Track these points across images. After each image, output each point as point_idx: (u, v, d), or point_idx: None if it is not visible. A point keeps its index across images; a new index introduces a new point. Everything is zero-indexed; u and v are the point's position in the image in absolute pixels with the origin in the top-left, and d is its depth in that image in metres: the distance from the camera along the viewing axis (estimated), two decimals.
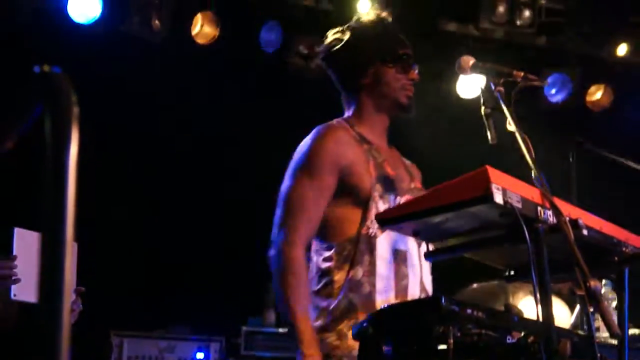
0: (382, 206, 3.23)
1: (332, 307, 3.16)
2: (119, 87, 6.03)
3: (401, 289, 3.23)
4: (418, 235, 2.72)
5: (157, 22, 6.24)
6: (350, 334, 3.07)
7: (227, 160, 6.66)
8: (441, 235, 2.68)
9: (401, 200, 3.29)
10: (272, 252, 3.20)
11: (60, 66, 1.13)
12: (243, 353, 6.13)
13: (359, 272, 3.18)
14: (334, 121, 3.43)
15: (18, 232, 3.21)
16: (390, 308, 2.79)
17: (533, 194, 2.53)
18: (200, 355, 6.05)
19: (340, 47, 3.45)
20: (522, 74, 2.89)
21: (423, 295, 3.29)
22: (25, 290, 3.16)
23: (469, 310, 2.48)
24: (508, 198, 2.40)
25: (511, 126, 2.73)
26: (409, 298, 3.23)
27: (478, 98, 2.96)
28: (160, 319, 6.21)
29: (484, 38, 6.82)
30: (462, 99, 6.86)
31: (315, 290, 3.21)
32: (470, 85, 6.70)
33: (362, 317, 3.10)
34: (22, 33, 5.82)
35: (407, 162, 3.60)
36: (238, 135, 6.58)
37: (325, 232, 3.25)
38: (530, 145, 2.68)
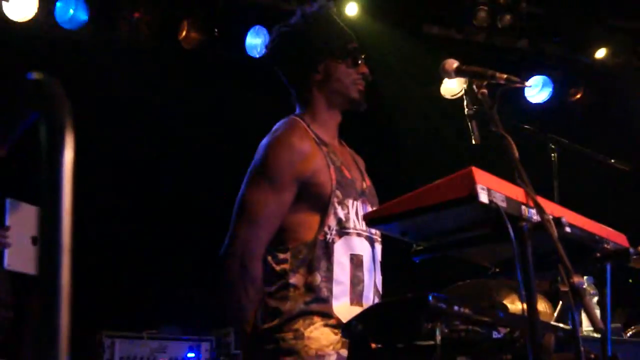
0: (340, 212, 3.18)
1: (287, 308, 3.12)
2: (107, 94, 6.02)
3: (357, 293, 3.20)
4: (405, 235, 2.72)
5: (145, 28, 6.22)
6: (307, 332, 3.09)
7: (218, 163, 6.65)
8: (428, 234, 2.69)
9: (357, 203, 3.26)
10: (223, 257, 3.16)
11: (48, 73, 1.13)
12: (233, 352, 6.12)
13: (317, 277, 3.13)
14: (292, 119, 3.34)
15: (11, 203, 3.21)
16: (379, 306, 2.80)
17: (517, 193, 2.53)
18: (191, 355, 6.05)
19: (287, 43, 3.38)
20: (504, 76, 2.89)
21: (377, 298, 3.27)
22: (18, 260, 3.17)
23: (455, 307, 2.49)
24: (493, 197, 2.41)
25: (495, 127, 2.73)
26: (364, 302, 3.20)
27: (461, 99, 2.98)
28: (152, 319, 6.20)
29: (467, 41, 6.82)
30: (445, 99, 6.86)
31: (270, 292, 3.15)
32: (453, 87, 6.70)
33: (318, 320, 3.10)
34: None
35: (354, 154, 3.52)
36: (229, 134, 6.57)
37: (281, 236, 3.19)
38: (514, 145, 2.69)
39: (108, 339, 5.78)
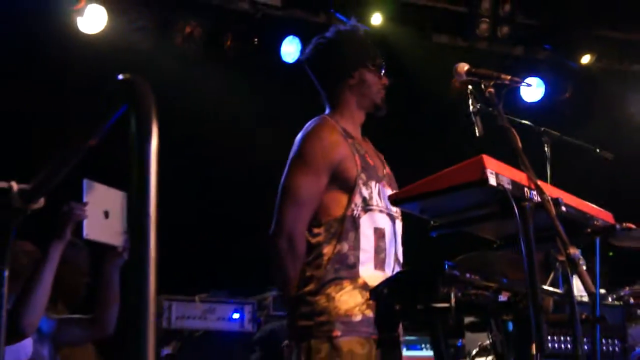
0: (364, 191, 3.21)
1: (321, 275, 3.13)
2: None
3: (379, 261, 3.21)
4: (424, 212, 2.72)
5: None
6: (337, 296, 3.10)
7: (259, 149, 6.67)
8: (443, 212, 2.69)
9: (379, 185, 3.28)
10: (273, 236, 3.18)
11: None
12: (272, 313, 6.14)
13: (345, 246, 3.15)
14: (322, 117, 3.37)
15: (87, 183, 3.24)
16: (402, 273, 2.80)
17: (521, 177, 2.53)
18: (236, 315, 6.07)
19: (327, 52, 3.40)
20: (509, 77, 2.89)
21: (397, 266, 3.28)
22: (94, 231, 3.20)
23: (467, 275, 2.50)
24: (500, 181, 2.42)
25: (501, 121, 2.73)
26: (386, 268, 3.21)
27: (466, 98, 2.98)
28: (203, 285, 6.23)
29: (470, 48, 6.80)
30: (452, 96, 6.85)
31: (307, 262, 3.17)
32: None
33: (347, 284, 3.12)
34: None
35: (375, 149, 3.53)
36: (267, 127, 6.59)
37: (315, 214, 3.21)
38: (517, 136, 2.68)
39: (166, 302, 5.82)
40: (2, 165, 1.80)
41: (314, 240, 3.19)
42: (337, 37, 3.41)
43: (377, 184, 3.27)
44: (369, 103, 3.41)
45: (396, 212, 3.31)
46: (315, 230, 3.20)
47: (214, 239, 6.54)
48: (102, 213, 3.29)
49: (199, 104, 6.46)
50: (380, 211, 3.25)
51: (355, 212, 3.19)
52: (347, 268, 3.14)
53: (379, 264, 3.20)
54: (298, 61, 3.53)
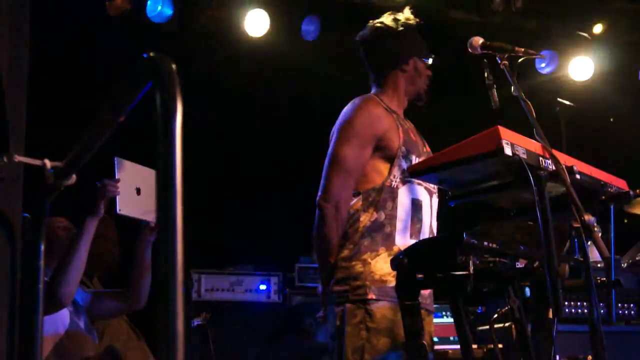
0: (404, 164, 3.24)
1: (356, 241, 3.16)
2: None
3: (415, 231, 3.24)
4: (443, 183, 2.72)
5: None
6: (372, 262, 3.12)
7: (286, 127, 6.68)
8: (461, 183, 2.69)
9: (419, 159, 3.29)
10: (322, 201, 3.20)
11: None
12: (297, 285, 6.16)
13: (382, 215, 3.18)
14: (369, 95, 3.41)
15: (118, 160, 3.27)
16: (422, 242, 2.80)
17: (535, 147, 2.53)
18: (263, 286, 6.10)
19: (385, 38, 3.43)
20: (522, 49, 2.88)
21: (431, 237, 3.31)
22: (127, 207, 3.23)
23: (485, 243, 2.50)
24: (515, 151, 2.41)
25: (516, 92, 2.71)
26: (421, 238, 3.24)
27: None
28: (230, 258, 6.26)
29: (485, 23, 6.75)
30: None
31: (345, 229, 3.19)
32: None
33: (382, 251, 3.15)
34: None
35: (418, 132, 3.55)
36: (289, 103, 6.60)
37: (356, 182, 3.25)
38: (532, 107, 2.67)
39: (196, 274, 5.86)
40: (36, 144, 1.82)
41: (351, 209, 3.22)
42: (396, 25, 3.44)
43: (418, 159, 3.30)
44: (415, 91, 3.46)
45: (434, 188, 3.34)
46: (354, 199, 3.23)
47: (242, 215, 6.56)
48: (134, 190, 3.31)
49: (219, 83, 6.47)
50: (419, 184, 3.28)
51: (393, 182, 3.23)
52: (383, 236, 3.17)
53: (415, 233, 3.24)
54: (357, 41, 3.52)
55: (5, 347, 1.68)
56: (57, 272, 3.17)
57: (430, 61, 3.48)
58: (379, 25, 3.47)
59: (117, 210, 3.24)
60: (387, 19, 3.46)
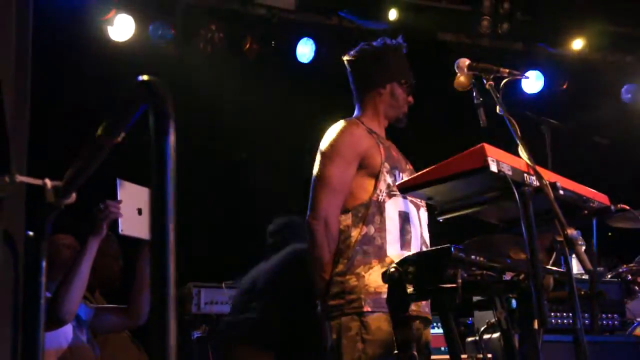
0: (389, 178, 3.27)
1: (349, 256, 3.17)
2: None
3: (405, 241, 3.24)
4: (431, 199, 2.71)
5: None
6: (366, 275, 3.12)
7: (276, 144, 6.69)
8: (449, 198, 2.68)
9: (402, 175, 3.32)
10: (310, 219, 3.21)
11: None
12: None
13: (372, 229, 3.20)
14: (350, 119, 3.43)
15: (120, 182, 3.27)
16: (412, 256, 2.79)
17: (520, 163, 2.53)
18: None
19: (369, 59, 3.47)
20: (507, 70, 2.88)
21: (423, 247, 3.32)
22: (130, 227, 3.23)
23: (473, 256, 2.49)
24: (501, 167, 2.41)
25: (501, 111, 2.71)
26: (412, 248, 3.24)
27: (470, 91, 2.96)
28: (228, 273, 6.25)
29: (473, 45, 6.78)
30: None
31: (338, 245, 3.21)
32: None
33: (375, 263, 3.15)
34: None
35: (399, 151, 3.57)
36: (282, 122, 6.62)
37: (344, 200, 3.27)
38: (517, 125, 2.67)
39: (195, 288, 5.84)
40: (37, 164, 1.81)
41: (342, 226, 3.23)
42: (381, 48, 3.47)
43: (401, 173, 3.33)
44: (393, 114, 3.49)
45: (420, 201, 3.34)
46: (343, 216, 3.25)
47: (238, 230, 6.55)
48: (135, 210, 3.31)
49: (218, 101, 6.48)
50: (404, 197, 3.29)
51: (380, 197, 3.24)
52: (375, 248, 3.18)
53: (405, 244, 3.24)
54: (344, 60, 3.53)
55: (10, 356, 1.67)
56: (60, 290, 3.16)
57: (410, 89, 3.50)
58: (365, 46, 3.50)
59: (120, 230, 3.24)
60: (376, 41, 3.49)
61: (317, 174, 3.28)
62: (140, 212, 3.32)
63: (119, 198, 3.22)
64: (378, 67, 3.45)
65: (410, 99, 3.51)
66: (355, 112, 3.51)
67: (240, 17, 6.38)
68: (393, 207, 3.25)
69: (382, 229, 3.20)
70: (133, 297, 3.57)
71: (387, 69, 3.46)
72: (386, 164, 3.27)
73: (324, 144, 3.33)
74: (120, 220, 3.23)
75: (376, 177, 3.25)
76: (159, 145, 1.05)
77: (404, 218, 3.26)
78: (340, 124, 3.36)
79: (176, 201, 1.06)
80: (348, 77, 3.55)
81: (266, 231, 4.44)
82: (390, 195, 3.25)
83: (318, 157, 3.32)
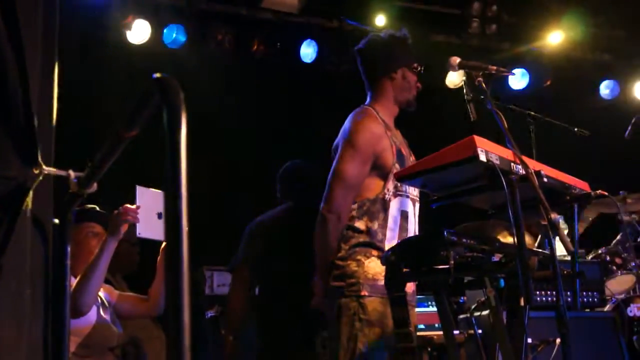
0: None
1: (352, 243, 3.18)
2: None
3: (402, 237, 3.24)
4: (425, 187, 2.71)
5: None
6: (366, 262, 3.13)
7: (285, 139, 6.69)
8: (441, 186, 2.68)
9: None
10: (325, 211, 3.20)
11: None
12: None
13: (375, 224, 3.20)
14: (367, 108, 3.38)
15: (139, 188, 3.25)
16: (407, 240, 2.79)
17: (507, 153, 2.52)
18: None
19: (379, 48, 3.43)
20: (495, 67, 2.88)
21: (416, 235, 3.32)
22: (147, 230, 3.21)
23: (464, 239, 2.49)
24: (489, 157, 2.41)
25: (489, 106, 2.71)
26: None
27: (461, 88, 2.96)
28: None
29: (463, 45, 6.76)
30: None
31: (343, 233, 3.21)
32: (454, 79, 6.67)
33: (374, 252, 3.17)
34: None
35: (404, 139, 3.54)
36: (287, 119, 6.60)
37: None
38: (504, 119, 2.67)
39: (208, 272, 5.84)
40: (63, 157, 1.81)
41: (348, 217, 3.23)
42: (389, 38, 3.45)
43: None
44: (404, 98, 3.43)
45: (416, 196, 3.34)
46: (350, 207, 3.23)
47: (251, 216, 6.55)
48: (155, 214, 3.29)
49: (227, 99, 6.48)
50: (407, 196, 3.28)
51: (387, 196, 3.23)
52: (376, 242, 3.18)
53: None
54: (355, 50, 3.51)
55: (42, 334, 1.68)
56: (78, 285, 3.16)
57: (419, 74, 3.47)
58: (374, 36, 3.49)
59: (137, 233, 3.22)
60: (383, 32, 3.50)
61: (336, 168, 3.25)
62: (160, 215, 3.31)
63: (137, 203, 3.21)
64: (388, 53, 3.41)
65: (419, 84, 3.47)
66: (368, 100, 3.45)
67: (249, 21, 6.37)
68: (397, 207, 3.24)
69: (384, 226, 3.21)
70: (153, 290, 3.58)
71: (397, 55, 3.42)
72: (397, 165, 3.24)
73: (342, 137, 3.29)
74: (138, 224, 3.22)
75: (386, 177, 3.23)
76: (172, 138, 1.04)
77: (404, 217, 3.27)
78: (359, 117, 3.30)
79: (188, 192, 1.05)
80: (358, 67, 3.51)
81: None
82: (396, 195, 3.24)
83: (338, 151, 3.28)
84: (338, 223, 3.18)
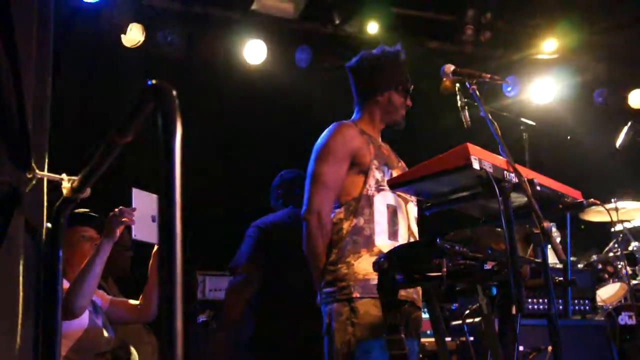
0: (377, 174, 3.25)
1: (341, 246, 3.17)
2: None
3: (393, 232, 3.22)
4: (419, 195, 2.71)
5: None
6: (356, 263, 3.13)
7: (281, 141, 6.70)
8: (435, 193, 2.68)
9: (392, 171, 3.30)
10: (305, 215, 3.20)
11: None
12: None
13: (361, 220, 3.19)
14: (344, 122, 3.41)
15: (135, 191, 3.25)
16: (400, 247, 2.79)
17: (500, 161, 2.52)
18: None
19: (368, 67, 3.44)
20: (489, 75, 2.88)
21: (412, 238, 3.30)
22: (142, 233, 3.21)
23: (456, 247, 2.48)
24: (483, 165, 2.41)
25: (483, 113, 2.72)
26: (400, 239, 3.23)
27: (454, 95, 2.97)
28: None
29: (458, 52, 6.78)
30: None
31: (331, 237, 3.21)
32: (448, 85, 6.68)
33: (364, 252, 3.15)
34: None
35: (393, 151, 3.54)
36: (282, 120, 6.61)
37: (337, 196, 3.26)
38: (497, 126, 2.67)
39: (201, 276, 5.84)
40: (56, 161, 1.81)
41: (335, 219, 3.23)
42: (379, 57, 3.44)
43: (390, 170, 3.31)
44: (390, 119, 3.46)
45: (409, 196, 3.33)
46: (337, 211, 3.24)
47: (242, 221, 6.55)
48: (150, 217, 3.29)
49: (220, 103, 6.49)
50: (392, 192, 3.27)
51: (369, 191, 3.23)
52: (364, 238, 3.17)
53: (392, 234, 3.23)
54: (346, 67, 3.52)
55: (32, 335, 1.68)
56: (73, 287, 3.15)
57: (408, 93, 3.46)
58: (365, 55, 3.48)
59: (133, 235, 3.22)
60: (376, 49, 3.47)
61: (311, 172, 3.27)
62: (154, 219, 3.31)
63: (133, 206, 3.20)
64: (376, 75, 3.42)
65: (409, 102, 3.47)
66: (354, 115, 3.48)
67: (242, 25, 6.38)
68: (382, 201, 3.23)
69: (370, 220, 3.20)
70: (145, 296, 3.56)
71: (385, 77, 3.42)
72: (375, 161, 3.26)
73: (317, 144, 3.32)
74: (133, 226, 3.21)
75: (366, 173, 3.24)
76: (166, 143, 1.05)
77: (393, 211, 3.25)
78: (333, 126, 3.35)
79: (183, 196, 1.05)
80: (350, 83, 3.52)
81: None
82: (378, 189, 3.23)
83: (312, 156, 3.31)
84: (319, 224, 3.17)
